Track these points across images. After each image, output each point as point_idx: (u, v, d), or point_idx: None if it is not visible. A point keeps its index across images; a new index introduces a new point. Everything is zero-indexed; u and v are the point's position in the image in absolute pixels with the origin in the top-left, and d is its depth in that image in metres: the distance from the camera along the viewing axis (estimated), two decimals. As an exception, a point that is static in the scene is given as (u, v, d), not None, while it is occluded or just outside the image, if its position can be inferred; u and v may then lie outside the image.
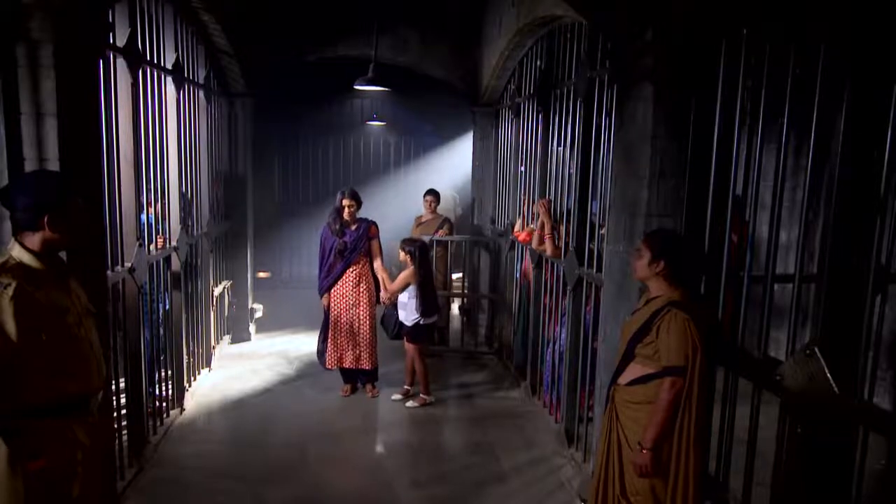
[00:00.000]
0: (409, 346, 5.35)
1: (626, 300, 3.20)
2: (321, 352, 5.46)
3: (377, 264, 5.38)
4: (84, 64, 2.94)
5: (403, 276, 5.28)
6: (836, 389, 2.00)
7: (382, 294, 5.39)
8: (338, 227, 5.27)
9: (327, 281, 5.35)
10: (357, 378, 5.53)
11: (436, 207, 6.98)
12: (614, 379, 2.87)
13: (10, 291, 2.05)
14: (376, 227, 5.43)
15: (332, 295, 5.35)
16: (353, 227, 5.32)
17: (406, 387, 5.47)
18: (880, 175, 1.94)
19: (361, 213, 5.44)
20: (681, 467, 2.63)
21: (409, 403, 5.31)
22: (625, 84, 3.22)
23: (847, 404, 1.98)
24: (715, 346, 2.69)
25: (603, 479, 2.87)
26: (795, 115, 2.38)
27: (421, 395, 5.34)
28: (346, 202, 5.24)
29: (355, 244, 5.30)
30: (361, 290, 5.35)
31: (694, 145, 2.91)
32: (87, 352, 2.32)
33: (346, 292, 5.34)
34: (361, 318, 5.36)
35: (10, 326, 2.04)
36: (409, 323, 5.28)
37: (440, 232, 6.76)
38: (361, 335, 5.37)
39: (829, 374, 2.01)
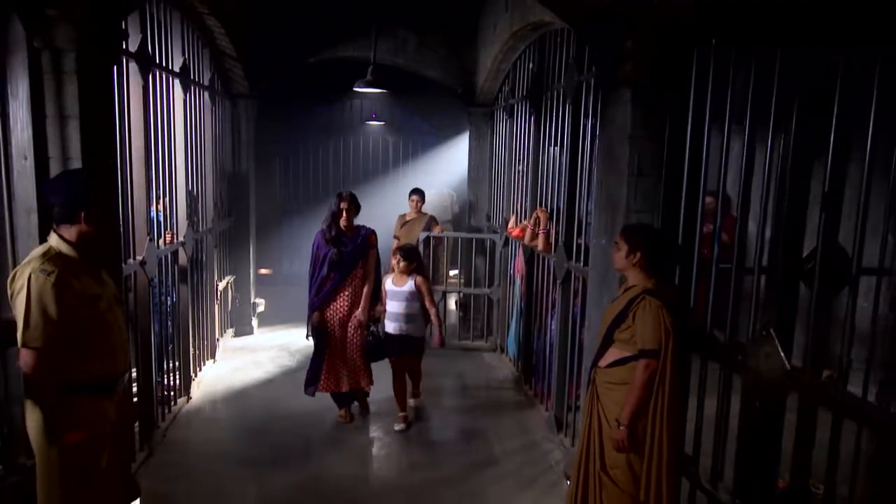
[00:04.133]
0: (413, 361, 4.97)
1: (608, 290, 3.42)
2: (312, 378, 4.78)
3: (367, 283, 4.76)
4: (102, 69, 3.17)
5: (430, 294, 4.82)
6: (787, 365, 2.22)
7: (359, 314, 4.72)
8: (333, 234, 4.64)
9: (320, 297, 4.70)
10: (352, 400, 5.02)
11: (421, 207, 7.16)
12: (595, 362, 3.08)
13: (52, 278, 2.28)
14: (375, 236, 4.83)
15: (325, 312, 4.71)
16: (351, 236, 4.70)
17: (404, 413, 4.93)
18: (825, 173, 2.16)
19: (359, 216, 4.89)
20: (655, 443, 2.84)
21: (412, 402, 5.04)
22: (607, 88, 3.45)
23: (796, 377, 2.20)
24: (686, 331, 2.91)
25: (585, 455, 3.09)
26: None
27: (413, 400, 5.07)
28: (343, 206, 4.62)
29: (353, 255, 4.67)
30: (357, 304, 4.76)
31: (670, 146, 3.13)
32: (117, 335, 2.55)
33: (343, 309, 4.71)
34: (358, 336, 4.76)
35: (52, 309, 2.27)
36: (421, 335, 4.91)
37: (436, 228, 6.97)
38: (359, 355, 4.79)
39: (781, 352, 2.23)
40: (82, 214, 2.42)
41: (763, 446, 2.41)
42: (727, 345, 2.68)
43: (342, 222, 4.63)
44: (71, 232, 2.43)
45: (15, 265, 2.67)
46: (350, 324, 4.72)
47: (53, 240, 2.43)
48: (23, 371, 2.37)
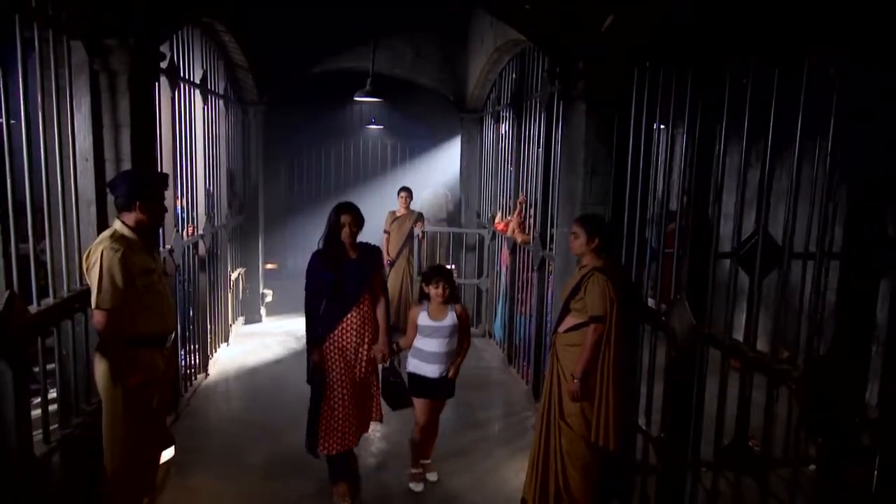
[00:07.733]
0: (436, 407, 4.13)
1: (570, 271, 4.04)
2: (313, 435, 3.88)
3: (380, 310, 3.91)
4: (146, 86, 3.80)
5: (468, 325, 4.14)
6: (693, 321, 2.85)
7: (380, 348, 3.87)
8: (334, 256, 3.78)
9: (321, 330, 3.81)
10: (353, 470, 4.14)
11: (409, 203, 7.61)
12: (555, 328, 3.70)
13: (119, 254, 2.91)
14: (381, 254, 4.11)
15: (326, 349, 3.81)
16: (354, 256, 3.82)
17: (419, 471, 4.22)
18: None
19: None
20: (604, 393, 3.44)
21: (431, 476, 4.24)
22: (567, 100, 4.08)
23: (697, 329, 2.83)
24: (631, 301, 3.53)
25: (547, 407, 3.70)
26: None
27: (424, 464, 4.27)
28: (345, 219, 3.72)
29: (358, 279, 3.81)
30: (366, 339, 3.86)
31: (618, 149, 3.75)
32: (166, 301, 3.19)
33: (349, 344, 3.81)
34: (367, 373, 3.91)
35: (119, 279, 2.90)
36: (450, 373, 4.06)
37: (419, 225, 7.52)
38: (368, 394, 3.96)
39: (689, 311, 2.86)
40: (138, 204, 3.04)
41: (680, 388, 3.03)
42: (656, 310, 3.30)
43: (345, 241, 3.77)
44: (130, 218, 3.06)
45: (79, 247, 3.29)
46: (362, 361, 3.87)
47: (117, 224, 3.05)
48: (95, 328, 3.00)
